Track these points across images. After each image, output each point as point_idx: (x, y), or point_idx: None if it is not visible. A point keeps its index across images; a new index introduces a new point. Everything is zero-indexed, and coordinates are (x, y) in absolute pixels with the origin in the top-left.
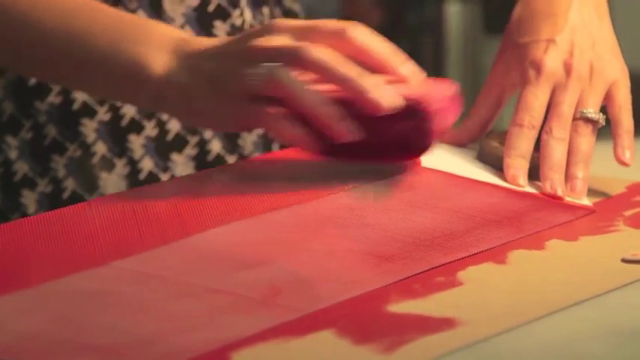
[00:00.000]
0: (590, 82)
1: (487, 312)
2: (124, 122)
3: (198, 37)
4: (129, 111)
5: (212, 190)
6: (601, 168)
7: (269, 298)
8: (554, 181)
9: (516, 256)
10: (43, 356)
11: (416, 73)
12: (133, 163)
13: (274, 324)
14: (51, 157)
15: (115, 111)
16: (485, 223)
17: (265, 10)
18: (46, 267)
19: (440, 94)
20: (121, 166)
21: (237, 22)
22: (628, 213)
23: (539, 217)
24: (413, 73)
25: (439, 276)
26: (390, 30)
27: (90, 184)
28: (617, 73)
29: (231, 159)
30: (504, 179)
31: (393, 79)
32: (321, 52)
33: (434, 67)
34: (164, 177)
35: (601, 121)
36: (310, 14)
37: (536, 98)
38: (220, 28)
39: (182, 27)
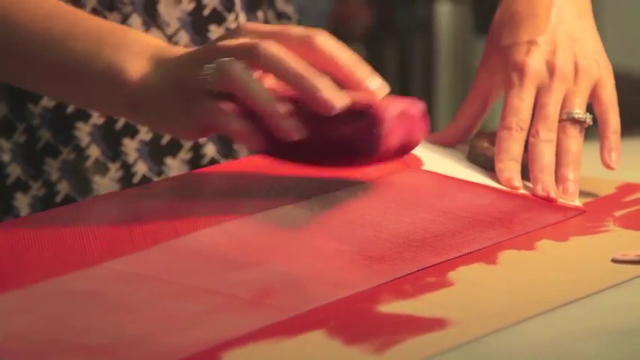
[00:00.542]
0: (575, 82)
1: (478, 312)
2: (118, 126)
3: (176, 46)
4: None
5: (203, 190)
6: (591, 168)
7: (260, 298)
8: (545, 184)
9: (507, 256)
10: (33, 356)
11: (381, 86)
12: (127, 167)
13: (265, 324)
14: (44, 161)
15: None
16: (475, 223)
17: (260, 13)
18: (37, 268)
19: (396, 106)
20: (114, 170)
21: (232, 26)
22: (618, 213)
23: (530, 217)
24: (378, 85)
25: (430, 276)
26: (380, 30)
27: (83, 188)
28: (601, 71)
29: None
30: (495, 180)
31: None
32: (274, 49)
33: (424, 68)
34: None
35: (588, 120)
36: (302, 14)
37: (522, 100)
38: (215, 32)
39: (177, 31)
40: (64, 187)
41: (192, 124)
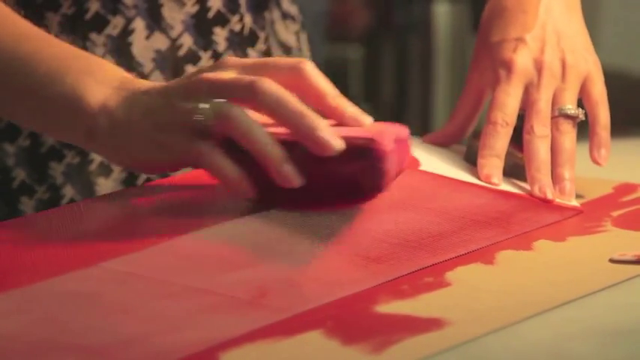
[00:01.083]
0: (564, 78)
1: (475, 312)
2: None
3: (144, 79)
4: None
5: (201, 191)
6: (588, 169)
7: (257, 298)
8: (542, 184)
9: (504, 256)
10: (29, 357)
11: (363, 116)
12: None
13: (263, 324)
14: (49, 164)
15: None
16: (473, 223)
17: (267, 14)
18: (33, 268)
19: (389, 136)
20: (118, 172)
21: (236, 27)
22: (615, 213)
23: (527, 217)
24: (360, 116)
25: (427, 276)
26: (378, 30)
27: (88, 191)
28: (590, 66)
29: None
30: None
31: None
32: (273, 87)
33: (422, 68)
34: None
35: (580, 115)
36: (301, 14)
37: (508, 95)
38: (219, 34)
39: (181, 34)
40: (68, 191)
41: (167, 158)
